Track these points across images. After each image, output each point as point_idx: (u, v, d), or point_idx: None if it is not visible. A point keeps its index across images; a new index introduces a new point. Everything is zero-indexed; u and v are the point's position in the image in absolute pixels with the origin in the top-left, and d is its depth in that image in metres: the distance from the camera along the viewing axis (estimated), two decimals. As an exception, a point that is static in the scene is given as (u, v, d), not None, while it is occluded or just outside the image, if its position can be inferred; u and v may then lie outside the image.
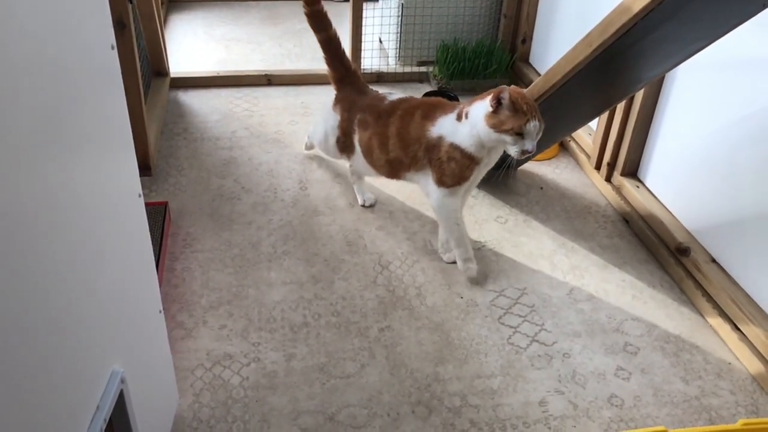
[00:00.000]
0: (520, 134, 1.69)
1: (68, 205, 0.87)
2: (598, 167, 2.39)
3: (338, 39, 2.12)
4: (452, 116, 1.81)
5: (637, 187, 2.23)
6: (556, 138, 2.24)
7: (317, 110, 2.25)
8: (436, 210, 1.91)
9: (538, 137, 1.73)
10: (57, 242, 0.84)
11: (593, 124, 2.45)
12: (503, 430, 1.49)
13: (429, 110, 1.87)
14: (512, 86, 1.73)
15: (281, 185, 2.32)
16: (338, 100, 2.13)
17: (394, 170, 1.97)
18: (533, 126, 1.69)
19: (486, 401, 1.56)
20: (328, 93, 2.95)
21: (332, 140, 2.15)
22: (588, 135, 2.50)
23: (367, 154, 2.01)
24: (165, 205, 2.03)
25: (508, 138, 1.70)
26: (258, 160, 2.46)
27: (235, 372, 1.60)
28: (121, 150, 1.08)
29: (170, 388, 1.44)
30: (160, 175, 2.34)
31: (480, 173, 1.87)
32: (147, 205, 2.00)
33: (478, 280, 1.92)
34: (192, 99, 2.88)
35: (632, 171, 2.28)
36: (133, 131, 1.13)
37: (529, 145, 1.70)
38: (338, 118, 2.10)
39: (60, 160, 0.85)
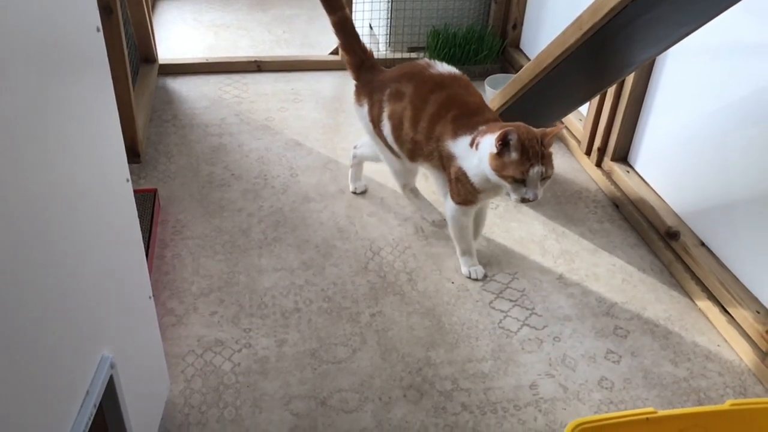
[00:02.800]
0: (521, 181, 1.57)
1: (54, 190, 0.86)
2: (588, 152, 2.40)
3: (352, 21, 1.96)
4: (468, 139, 1.69)
5: (627, 171, 2.23)
6: (546, 123, 2.23)
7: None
8: (447, 219, 1.88)
9: (545, 184, 1.61)
10: (43, 227, 0.83)
11: (583, 109, 2.45)
12: (494, 413, 1.50)
13: (460, 119, 1.73)
14: (522, 125, 1.61)
15: (271, 172, 2.31)
16: (360, 89, 1.97)
17: (414, 153, 1.86)
18: (536, 172, 1.55)
19: (477, 385, 1.57)
20: (318, 79, 2.96)
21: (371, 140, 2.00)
22: (578, 120, 2.50)
23: (396, 128, 1.85)
24: (154, 192, 2.02)
25: (507, 184, 1.60)
26: (248, 147, 2.45)
27: (226, 358, 1.60)
28: (107, 134, 1.07)
29: (161, 374, 1.43)
30: (149, 162, 2.33)
31: (489, 198, 1.81)
32: (136, 192, 2.00)
33: (486, 275, 1.90)
34: (181, 85, 2.86)
35: (622, 156, 2.28)
36: (121, 118, 1.12)
37: (530, 193, 1.58)
38: (365, 108, 1.95)
39: (45, 143, 0.84)
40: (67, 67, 0.90)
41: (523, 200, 1.60)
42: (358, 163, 2.20)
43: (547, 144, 1.58)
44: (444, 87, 1.78)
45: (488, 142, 1.62)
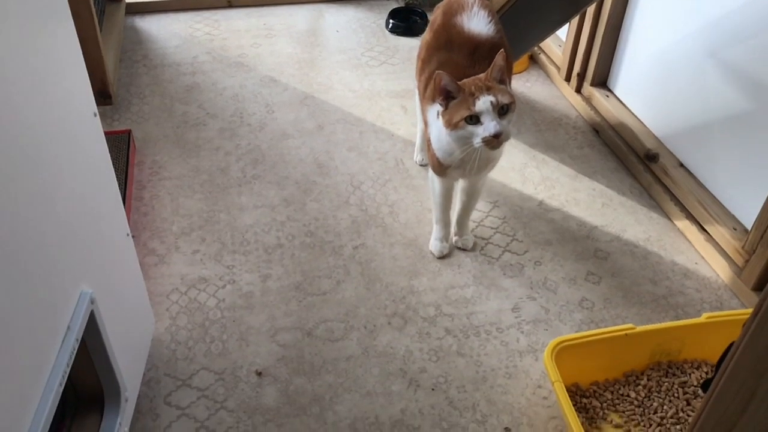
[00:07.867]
0: (475, 118, 1.36)
1: (14, 122, 0.84)
2: (568, 79, 2.37)
3: None
4: (437, 108, 1.47)
5: (607, 96, 2.22)
6: (526, 48, 2.20)
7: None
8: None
9: (509, 117, 1.38)
10: (8, 162, 0.81)
11: (562, 34, 2.41)
12: (477, 336, 1.53)
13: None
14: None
15: (247, 109, 2.27)
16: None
17: (420, 93, 1.70)
18: (485, 101, 1.34)
19: (460, 310, 1.59)
20: (291, 14, 2.88)
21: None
22: (558, 46, 2.47)
23: (417, 58, 1.72)
24: (128, 133, 1.97)
25: (464, 132, 1.38)
26: (222, 85, 2.39)
27: (210, 294, 1.61)
28: (69, 66, 1.04)
29: (145, 311, 1.44)
30: (122, 103, 2.27)
31: (456, 175, 1.60)
32: (110, 133, 1.96)
33: (439, 256, 1.74)
34: (150, 24, 2.76)
35: (602, 81, 2.26)
36: (89, 58, 1.09)
37: (490, 126, 1.34)
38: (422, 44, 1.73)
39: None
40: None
41: (487, 141, 1.35)
42: None
43: (491, 77, 1.39)
44: (452, 48, 1.57)
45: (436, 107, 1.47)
